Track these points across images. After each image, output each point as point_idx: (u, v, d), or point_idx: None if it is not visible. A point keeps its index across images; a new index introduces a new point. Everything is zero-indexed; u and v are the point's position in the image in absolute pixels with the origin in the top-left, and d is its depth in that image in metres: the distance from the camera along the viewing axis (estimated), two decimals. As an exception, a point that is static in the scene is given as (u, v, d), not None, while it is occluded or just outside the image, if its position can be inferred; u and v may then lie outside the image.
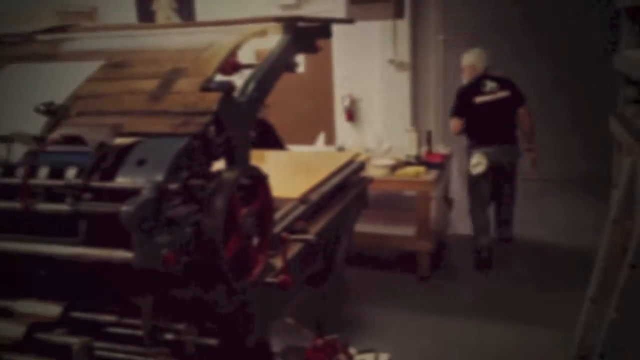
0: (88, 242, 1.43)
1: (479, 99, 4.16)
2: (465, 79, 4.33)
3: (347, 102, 5.83)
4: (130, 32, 2.23)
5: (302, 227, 2.32)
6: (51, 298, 1.49)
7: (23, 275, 1.50)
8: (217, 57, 1.80)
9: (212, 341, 1.46)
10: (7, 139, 1.54)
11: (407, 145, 4.51)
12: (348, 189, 2.90)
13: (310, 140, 4.68)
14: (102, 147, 1.51)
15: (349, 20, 2.46)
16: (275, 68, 1.96)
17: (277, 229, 2.14)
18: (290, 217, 2.30)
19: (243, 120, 1.75)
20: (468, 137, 4.30)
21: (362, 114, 5.85)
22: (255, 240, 1.76)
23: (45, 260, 1.42)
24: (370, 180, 3.23)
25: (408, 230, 4.04)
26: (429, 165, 4.10)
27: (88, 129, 1.59)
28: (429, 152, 4.39)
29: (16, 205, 1.42)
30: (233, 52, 2.09)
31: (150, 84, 1.74)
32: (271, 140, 4.01)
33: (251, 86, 1.81)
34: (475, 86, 4.20)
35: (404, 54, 5.91)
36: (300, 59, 6.43)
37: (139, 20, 5.84)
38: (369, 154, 4.19)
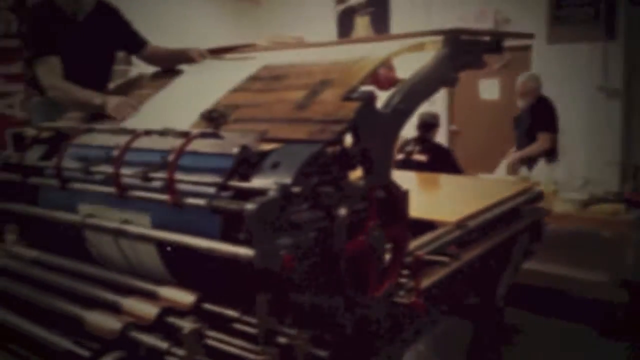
0: (223, 237, 1.51)
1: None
2: (524, 100, 4.55)
3: (542, 132, 5.39)
4: (297, 51, 2.35)
5: (453, 252, 2.18)
6: (191, 287, 1.60)
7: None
8: (365, 69, 1.80)
9: (323, 353, 1.43)
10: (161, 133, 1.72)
11: (609, 181, 4.03)
12: (517, 220, 2.65)
13: (494, 168, 4.43)
14: (244, 151, 1.59)
15: (526, 35, 2.26)
16: (427, 81, 1.89)
17: (425, 250, 2.05)
18: (442, 241, 2.18)
19: (384, 132, 1.71)
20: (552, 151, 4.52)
21: (559, 145, 5.38)
22: (387, 257, 1.70)
23: (185, 250, 1.54)
24: (546, 212, 2.91)
25: (599, 276, 3.54)
26: (630, 204, 3.57)
27: (237, 133, 1.70)
28: (635, 190, 3.84)
29: (165, 197, 1.57)
30: (390, 67, 2.07)
31: (299, 94, 1.81)
32: (447, 165, 3.90)
33: (397, 98, 1.76)
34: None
35: (616, 80, 5.31)
36: (495, 85, 6.20)
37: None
38: (557, 187, 3.80)
